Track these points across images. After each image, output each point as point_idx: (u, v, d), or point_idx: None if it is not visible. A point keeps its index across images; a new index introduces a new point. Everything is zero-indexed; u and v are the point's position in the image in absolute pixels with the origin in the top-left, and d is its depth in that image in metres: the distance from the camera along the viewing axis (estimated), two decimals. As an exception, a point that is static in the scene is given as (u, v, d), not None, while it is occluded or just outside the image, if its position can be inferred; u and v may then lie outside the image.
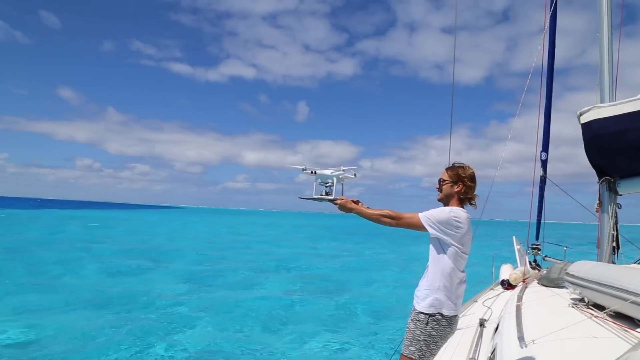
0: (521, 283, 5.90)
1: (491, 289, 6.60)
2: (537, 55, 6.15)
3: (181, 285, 15.48)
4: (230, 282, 16.63)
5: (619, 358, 1.69)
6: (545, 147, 7.83)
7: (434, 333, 2.54)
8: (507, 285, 6.17)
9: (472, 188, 2.74)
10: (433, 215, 2.59)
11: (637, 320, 2.81)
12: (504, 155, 5.69)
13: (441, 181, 2.76)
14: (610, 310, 3.01)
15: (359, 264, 24.01)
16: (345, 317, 11.79)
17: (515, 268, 6.87)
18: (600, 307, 3.28)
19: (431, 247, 2.67)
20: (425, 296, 2.59)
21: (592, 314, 3.17)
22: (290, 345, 9.10)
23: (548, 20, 6.83)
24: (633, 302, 2.72)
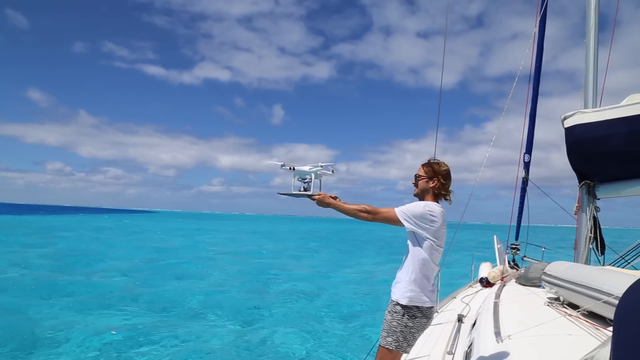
0: (499, 281, 6.04)
1: (470, 286, 6.73)
2: (524, 59, 6.24)
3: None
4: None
5: (588, 354, 1.76)
6: (529, 150, 7.99)
7: (410, 324, 2.61)
8: (486, 283, 6.31)
9: (447, 184, 2.83)
10: (408, 210, 2.67)
11: (609, 319, 2.92)
12: (484, 160, 5.73)
13: (417, 177, 2.84)
14: (584, 310, 3.12)
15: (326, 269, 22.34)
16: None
17: (494, 267, 7.01)
18: (574, 306, 3.39)
19: (408, 241, 2.75)
20: (402, 288, 2.67)
21: (567, 313, 3.28)
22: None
23: (537, 25, 6.94)
24: (605, 302, 2.82)
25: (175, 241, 37.31)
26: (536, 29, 6.89)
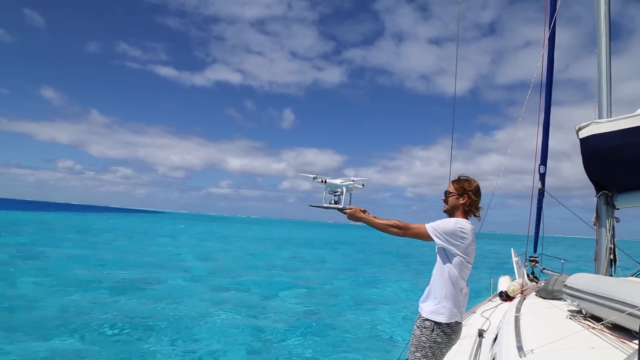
0: (519, 295, 5.95)
1: (489, 300, 6.64)
2: (536, 69, 6.26)
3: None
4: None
5: None
6: (544, 161, 7.92)
7: (439, 340, 2.61)
8: (505, 296, 6.22)
9: (477, 200, 2.84)
10: (439, 226, 2.68)
11: (634, 331, 2.87)
12: (500, 172, 5.69)
13: (447, 193, 2.85)
14: (607, 322, 3.07)
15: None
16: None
17: (513, 280, 6.92)
18: (597, 319, 3.33)
19: (437, 257, 2.76)
20: (431, 304, 2.67)
21: (590, 326, 3.23)
22: None
23: (548, 33, 6.96)
24: (630, 314, 2.78)
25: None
26: (545, 36, 6.90)
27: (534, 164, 7.65)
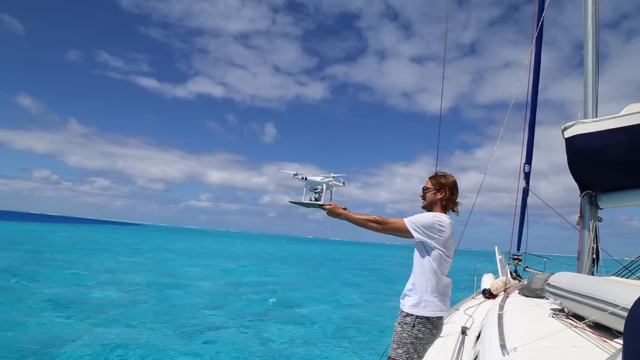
0: (502, 292, 5.99)
1: (473, 297, 6.68)
2: (519, 83, 6.24)
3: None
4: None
5: None
6: (529, 160, 7.99)
7: (420, 335, 2.59)
8: (489, 294, 6.26)
9: (455, 196, 2.87)
10: (417, 220, 2.69)
11: (615, 330, 2.88)
12: (479, 188, 5.67)
13: (425, 189, 2.86)
14: (590, 321, 3.08)
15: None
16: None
17: (496, 278, 6.97)
18: (579, 318, 3.35)
19: (415, 251, 2.75)
20: (412, 299, 2.65)
21: (572, 324, 3.24)
22: None
23: (534, 46, 6.99)
24: (612, 313, 2.79)
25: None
26: (532, 50, 6.93)
27: (519, 166, 7.71)
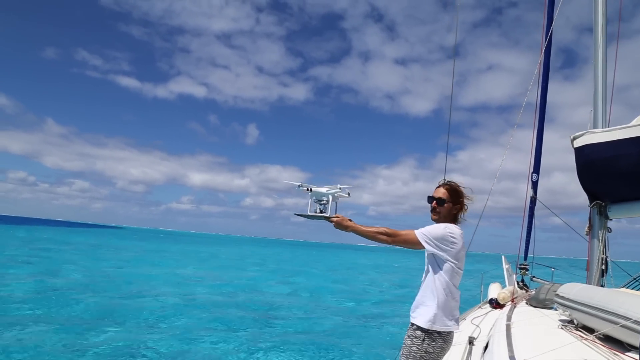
0: (509, 302, 5.94)
1: (479, 307, 6.62)
2: (532, 80, 6.26)
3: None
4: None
5: None
6: (537, 169, 7.94)
7: (430, 349, 2.56)
8: (495, 304, 6.20)
9: (466, 206, 2.84)
10: (429, 232, 2.64)
11: (627, 344, 2.85)
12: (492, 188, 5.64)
13: (439, 200, 2.78)
14: (600, 333, 3.04)
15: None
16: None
17: (503, 287, 6.91)
18: (589, 330, 3.31)
19: (427, 264, 2.71)
20: (423, 312, 2.62)
21: (582, 336, 3.20)
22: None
23: (544, 43, 6.98)
24: (623, 326, 2.76)
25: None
26: (542, 52, 6.92)
27: (527, 173, 7.66)
